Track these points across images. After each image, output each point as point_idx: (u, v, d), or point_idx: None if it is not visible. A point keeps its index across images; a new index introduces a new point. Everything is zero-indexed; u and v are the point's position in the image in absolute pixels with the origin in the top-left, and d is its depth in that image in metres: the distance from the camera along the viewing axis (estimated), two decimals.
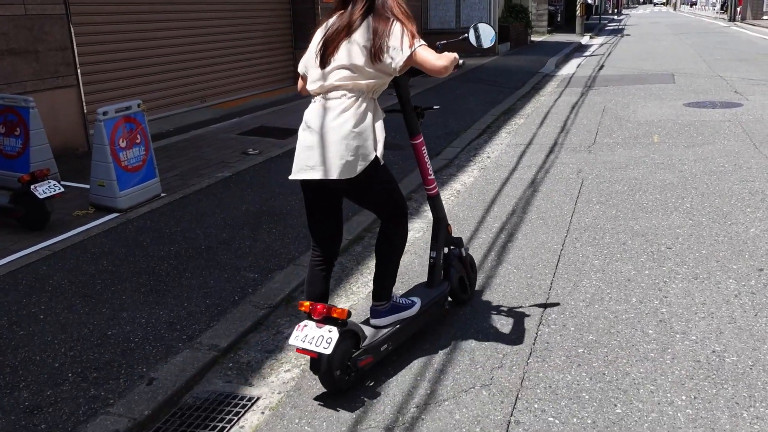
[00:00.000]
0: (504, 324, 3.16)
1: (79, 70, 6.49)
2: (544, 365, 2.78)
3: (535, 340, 2.99)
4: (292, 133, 7.25)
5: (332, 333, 2.46)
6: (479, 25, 3.08)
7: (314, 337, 2.48)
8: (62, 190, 4.45)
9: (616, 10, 65.67)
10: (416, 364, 2.85)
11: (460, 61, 2.58)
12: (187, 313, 3.28)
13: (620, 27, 34.58)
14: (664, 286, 3.46)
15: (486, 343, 2.97)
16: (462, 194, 5.40)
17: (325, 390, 2.62)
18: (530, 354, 2.87)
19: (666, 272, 3.64)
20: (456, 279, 3.24)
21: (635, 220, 4.49)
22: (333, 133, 2.52)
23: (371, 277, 3.11)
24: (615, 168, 5.86)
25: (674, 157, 6.12)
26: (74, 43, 6.43)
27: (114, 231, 4.42)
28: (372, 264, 3.80)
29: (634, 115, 8.29)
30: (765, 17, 34.26)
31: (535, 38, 22.52)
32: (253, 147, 6.63)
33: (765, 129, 7.09)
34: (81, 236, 4.29)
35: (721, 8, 53.71)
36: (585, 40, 23.33)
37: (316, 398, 2.63)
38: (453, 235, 3.28)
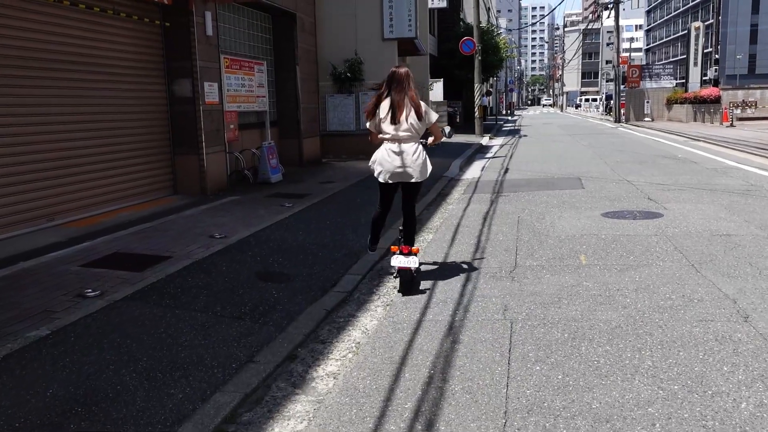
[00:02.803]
0: None
1: None
2: None
3: None
4: (154, 261, 5.84)
5: (414, 258, 5.13)
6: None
7: (405, 260, 5.09)
8: None
9: (508, 111, 69.31)
10: None
11: (447, 130, 6.02)
12: None
13: (516, 128, 35.75)
14: None
15: None
16: (363, 348, 4.15)
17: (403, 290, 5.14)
18: None
19: None
20: None
21: (590, 392, 3.38)
22: (414, 161, 5.19)
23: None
24: (547, 303, 4.83)
25: (611, 286, 5.19)
26: None
27: None
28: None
29: (553, 228, 7.49)
30: (646, 119, 36.53)
31: None
32: (96, 285, 5.16)
33: (698, 245, 6.39)
34: None
35: (604, 110, 57.69)
36: (485, 140, 23.48)
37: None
38: None
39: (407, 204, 5.47)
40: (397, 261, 5.10)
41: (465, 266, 6.01)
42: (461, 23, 32.47)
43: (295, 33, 13.89)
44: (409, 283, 5.14)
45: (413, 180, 5.27)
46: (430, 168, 5.33)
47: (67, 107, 7.86)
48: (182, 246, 6.55)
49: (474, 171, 14.17)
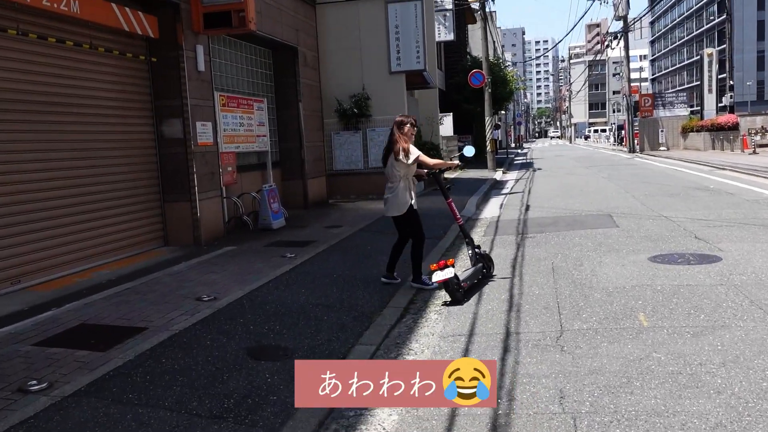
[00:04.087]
0: None
1: None
2: None
3: None
4: (126, 335, 4.85)
5: (449, 269, 5.65)
6: (465, 147, 7.14)
7: (441, 274, 5.64)
8: None
9: (518, 144, 68.65)
10: None
11: (456, 163, 7.34)
12: None
13: (528, 161, 34.85)
14: None
15: None
16: None
17: (450, 301, 5.78)
18: None
19: None
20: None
21: None
22: (386, 199, 6.36)
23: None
24: (614, 387, 3.76)
25: (690, 359, 4.12)
26: None
27: None
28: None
29: (595, 277, 6.44)
30: (661, 148, 35.56)
31: (448, 175, 21.44)
32: (45, 373, 4.15)
33: None
34: None
35: (616, 140, 56.84)
36: (498, 175, 22.55)
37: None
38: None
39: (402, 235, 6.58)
40: (435, 276, 5.70)
41: (499, 332, 4.97)
42: (468, 56, 31.87)
43: (297, 68, 13.09)
44: (454, 292, 5.81)
45: (388, 214, 6.43)
46: (402, 205, 6.22)
47: (40, 152, 6.98)
48: (162, 313, 5.54)
49: (492, 209, 13.17)
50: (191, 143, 8.84)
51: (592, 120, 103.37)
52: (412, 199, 6.23)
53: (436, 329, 5.24)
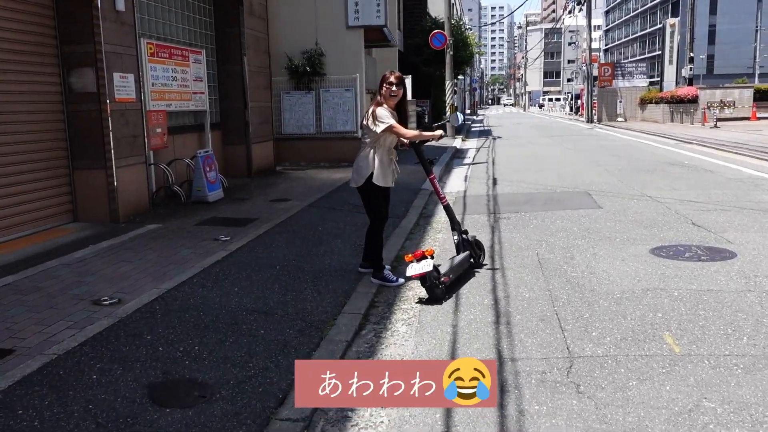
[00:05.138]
0: None
1: None
2: None
3: None
4: None
5: (427, 261, 4.66)
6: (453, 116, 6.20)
7: (418, 267, 4.65)
8: None
9: (471, 111, 67.67)
10: None
11: (439, 133, 5.48)
12: None
13: (486, 128, 33.85)
14: None
15: None
16: None
17: (428, 299, 4.79)
18: None
19: None
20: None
21: None
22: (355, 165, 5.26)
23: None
24: None
25: (754, 409, 3.04)
26: None
27: None
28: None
29: (594, 276, 5.34)
30: (619, 119, 35.07)
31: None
32: None
33: None
34: None
35: (570, 110, 56.39)
36: (458, 143, 21.49)
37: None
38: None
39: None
40: (411, 270, 4.74)
41: (489, 355, 3.81)
42: (428, 17, 30.34)
43: (241, 17, 11.48)
44: (433, 288, 4.82)
45: (350, 184, 5.35)
46: (360, 176, 5.13)
47: None
48: (42, 325, 4.17)
49: (457, 182, 12.00)
50: (107, 99, 7.30)
51: (546, 89, 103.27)
52: (373, 169, 5.07)
53: (407, 348, 4.04)
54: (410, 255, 4.82)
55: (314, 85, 14.03)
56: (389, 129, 5.00)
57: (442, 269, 4.98)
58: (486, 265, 5.82)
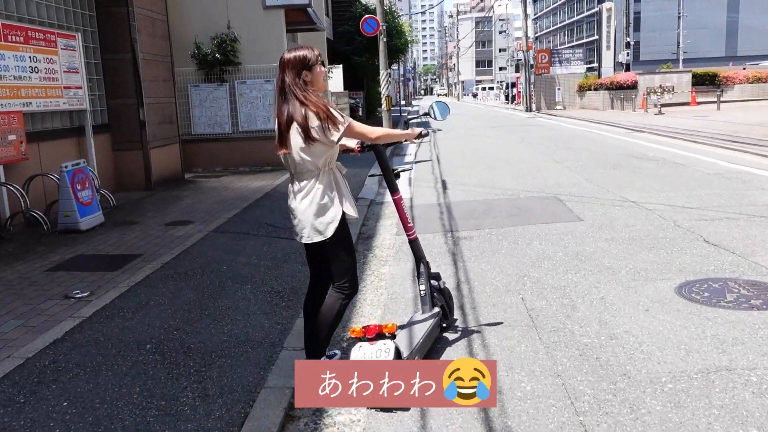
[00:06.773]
0: None
1: None
2: None
3: None
4: None
5: (388, 344, 3.00)
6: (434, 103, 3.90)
7: (373, 352, 2.98)
8: None
9: (405, 102, 66.26)
10: None
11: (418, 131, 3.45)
12: None
13: (423, 120, 32.26)
14: None
15: None
16: None
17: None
18: None
19: None
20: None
21: None
22: (301, 208, 3.14)
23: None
24: None
25: None
26: None
27: None
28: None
29: (620, 347, 3.64)
30: (558, 107, 34.20)
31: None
32: None
33: None
34: None
35: (506, 99, 55.65)
36: None
37: None
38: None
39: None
40: (359, 355, 3.03)
41: None
42: (359, 3, 28.47)
43: None
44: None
45: (303, 240, 3.17)
46: (325, 222, 3.08)
47: None
48: None
49: (399, 186, 10.21)
50: None
51: (479, 77, 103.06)
52: (342, 205, 3.15)
53: None
54: (359, 329, 3.19)
55: (228, 77, 11.97)
56: (348, 131, 3.08)
57: (403, 349, 3.20)
58: (456, 322, 4.08)
